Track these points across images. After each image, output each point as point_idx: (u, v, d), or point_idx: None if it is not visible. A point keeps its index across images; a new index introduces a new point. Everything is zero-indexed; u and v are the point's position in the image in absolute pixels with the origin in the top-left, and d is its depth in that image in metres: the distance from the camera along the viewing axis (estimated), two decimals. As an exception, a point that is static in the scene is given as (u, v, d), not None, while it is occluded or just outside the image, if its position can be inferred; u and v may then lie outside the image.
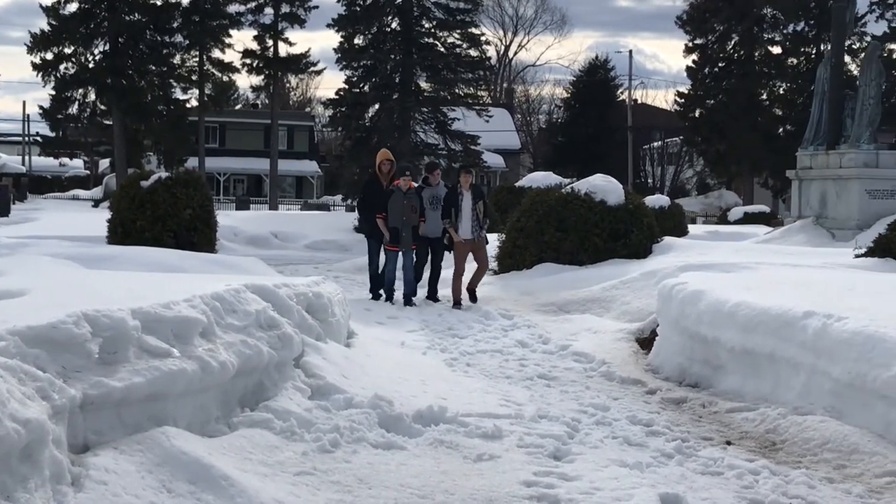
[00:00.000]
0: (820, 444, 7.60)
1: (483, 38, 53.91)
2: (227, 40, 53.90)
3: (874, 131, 27.64)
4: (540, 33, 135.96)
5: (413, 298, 16.39)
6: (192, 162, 51.21)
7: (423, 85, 52.30)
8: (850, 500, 6.48)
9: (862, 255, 17.02)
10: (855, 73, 42.12)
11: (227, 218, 30.47)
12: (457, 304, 16.09)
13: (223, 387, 7.21)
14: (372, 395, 8.18)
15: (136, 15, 50.78)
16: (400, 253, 16.46)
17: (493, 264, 19.09)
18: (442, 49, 52.00)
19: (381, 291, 16.90)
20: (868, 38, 53.22)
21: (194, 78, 53.73)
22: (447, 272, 17.01)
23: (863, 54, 35.70)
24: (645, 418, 8.62)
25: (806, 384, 8.67)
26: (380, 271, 17.03)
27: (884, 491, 6.64)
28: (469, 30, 52.46)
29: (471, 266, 16.82)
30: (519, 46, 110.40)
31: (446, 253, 17.12)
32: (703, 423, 8.70)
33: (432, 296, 16.83)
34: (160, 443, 5.88)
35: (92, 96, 52.03)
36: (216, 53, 54.28)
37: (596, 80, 76.13)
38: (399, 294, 16.62)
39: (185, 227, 19.53)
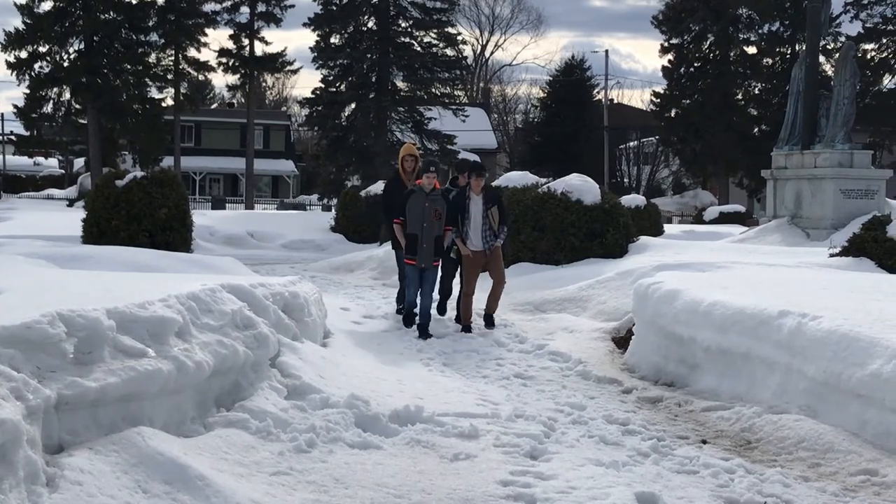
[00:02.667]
0: (795, 443, 7.63)
1: (459, 38, 53.99)
2: (203, 39, 53.78)
3: (849, 131, 27.77)
4: (516, 33, 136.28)
5: (429, 328, 13.15)
6: (167, 161, 50.95)
7: (400, 84, 52.32)
8: (824, 498, 6.51)
9: (836, 255, 17.11)
10: (830, 73, 42.41)
11: (202, 217, 30.38)
12: (466, 329, 13.37)
13: (199, 387, 7.19)
14: (348, 394, 8.17)
15: (112, 13, 50.51)
16: (418, 270, 13.27)
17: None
18: (418, 48, 52.03)
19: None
20: (843, 39, 53.49)
21: (170, 77, 53.50)
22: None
23: (837, 54, 35.83)
24: (621, 417, 8.64)
25: (781, 383, 8.72)
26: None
27: (858, 489, 6.68)
28: (445, 29, 52.52)
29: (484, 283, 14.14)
30: (495, 46, 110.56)
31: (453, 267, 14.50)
32: (678, 421, 8.73)
33: (441, 309, 14.42)
34: (135, 443, 5.85)
35: (67, 95, 51.73)
36: (192, 52, 54.16)
37: (572, 79, 76.26)
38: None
39: (160, 227, 19.45)
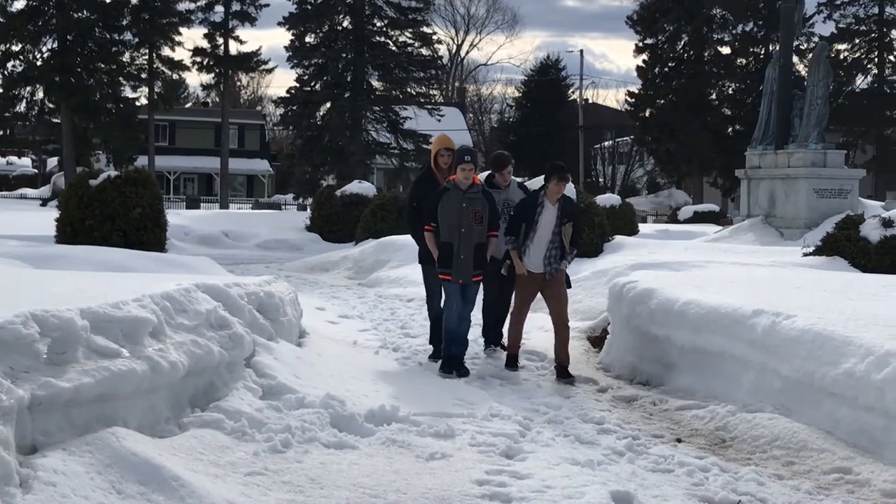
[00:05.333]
0: (769, 441, 7.67)
1: (435, 37, 54.12)
2: (177, 38, 53.51)
3: (822, 131, 27.96)
4: (491, 32, 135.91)
5: (465, 362, 10.66)
6: (141, 160, 50.68)
7: (375, 84, 52.34)
8: (798, 496, 6.54)
9: (810, 254, 17.20)
10: (803, 73, 42.65)
11: (177, 217, 30.30)
12: (511, 361, 10.96)
13: (173, 387, 7.16)
14: (324, 394, 8.16)
15: (85, 12, 50.22)
16: (456, 286, 10.62)
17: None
18: (394, 48, 52.05)
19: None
20: (816, 39, 53.92)
21: (144, 76, 53.26)
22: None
23: (811, 55, 36.03)
24: (596, 416, 8.66)
25: (755, 382, 8.76)
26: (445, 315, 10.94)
27: (832, 487, 6.72)
28: (421, 28, 52.59)
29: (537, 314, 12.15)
30: (471, 45, 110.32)
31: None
32: (653, 420, 8.76)
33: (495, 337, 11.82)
34: (110, 444, 5.83)
35: (40, 94, 51.47)
36: (166, 51, 53.90)
37: (547, 79, 76.35)
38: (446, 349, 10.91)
39: (134, 227, 19.36)
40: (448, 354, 10.56)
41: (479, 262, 10.60)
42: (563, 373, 10.54)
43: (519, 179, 12.53)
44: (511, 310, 11.17)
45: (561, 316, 10.77)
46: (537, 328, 13.56)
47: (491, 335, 11.83)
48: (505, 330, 11.42)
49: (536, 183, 19.44)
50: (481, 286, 11.10)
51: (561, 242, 10.73)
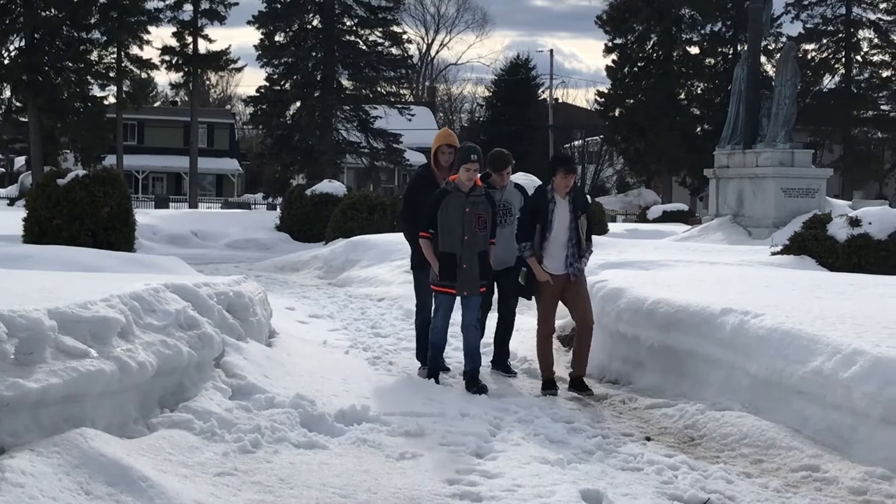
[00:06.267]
0: (738, 440, 7.71)
1: (405, 37, 54.15)
2: (146, 37, 53.20)
3: (790, 130, 28.15)
4: (461, 32, 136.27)
5: (481, 380, 9.72)
6: (110, 159, 50.36)
7: (345, 83, 52.30)
8: (767, 493, 6.57)
9: (778, 253, 17.31)
10: (771, 73, 42.89)
11: (145, 216, 30.17)
12: (548, 387, 9.78)
13: (142, 387, 7.13)
14: (294, 394, 8.14)
15: (53, 10, 49.87)
16: (458, 299, 9.77)
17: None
18: (364, 47, 52.03)
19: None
20: (784, 39, 54.24)
21: (112, 75, 52.92)
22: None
23: (778, 55, 36.30)
24: (566, 415, 8.68)
25: (724, 380, 8.81)
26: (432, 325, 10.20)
27: (800, 485, 6.76)
28: (391, 28, 52.60)
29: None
30: (441, 45, 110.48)
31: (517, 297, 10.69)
32: (623, 419, 8.78)
33: (501, 362, 10.74)
34: (78, 444, 5.79)
35: (7, 93, 51.12)
36: (134, 50, 53.58)
37: (517, 79, 76.51)
38: (451, 367, 10.61)
39: (102, 226, 19.24)
40: (467, 372, 9.72)
41: (485, 272, 9.74)
42: (578, 386, 9.75)
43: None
44: (539, 330, 10.03)
45: (586, 318, 9.93)
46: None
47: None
48: (515, 347, 10.88)
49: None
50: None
51: (578, 238, 9.80)
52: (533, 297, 10.19)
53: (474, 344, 9.71)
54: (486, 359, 10.52)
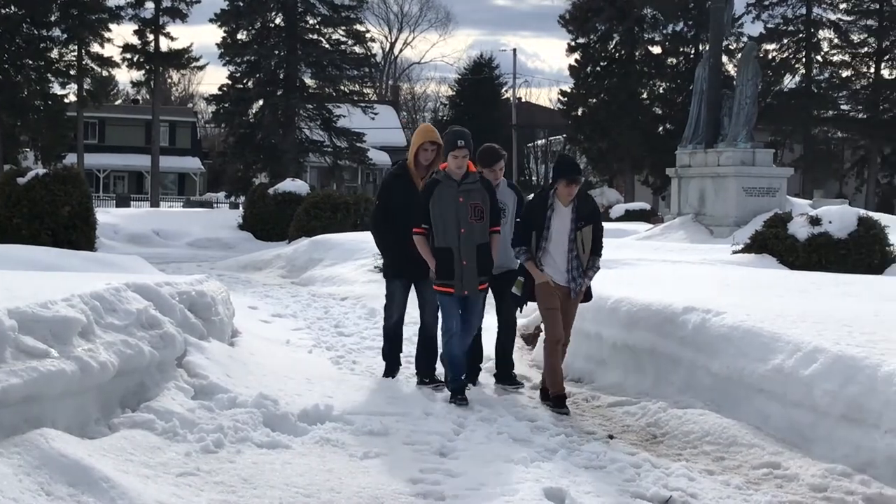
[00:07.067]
0: (700, 437, 7.75)
1: (368, 35, 54.05)
2: (107, 34, 52.73)
3: (751, 130, 28.35)
4: (425, 31, 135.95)
5: (466, 390, 9.14)
6: (70, 158, 50.00)
7: (308, 81, 52.18)
8: (728, 491, 6.61)
9: (739, 251, 17.44)
10: (732, 73, 43.19)
11: (107, 215, 30.00)
12: (559, 401, 8.96)
13: (103, 387, 7.08)
14: (257, 394, 8.11)
15: (12, 8, 49.41)
16: (456, 300, 9.04)
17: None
18: (327, 45, 51.92)
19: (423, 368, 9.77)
20: (745, 39, 54.58)
21: (73, 73, 52.46)
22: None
23: (740, 54, 36.48)
24: (529, 414, 8.69)
25: (686, 378, 8.86)
26: (395, 326, 9.93)
27: (761, 482, 6.80)
28: (354, 26, 52.51)
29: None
30: (404, 44, 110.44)
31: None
32: (586, 417, 8.80)
33: (507, 376, 9.98)
34: (38, 445, 5.75)
35: (-34, 91, 50.60)
36: (95, 48, 53.10)
37: (480, 78, 76.60)
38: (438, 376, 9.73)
39: (63, 225, 19.16)
40: (451, 381, 9.10)
41: (484, 267, 9.00)
42: (556, 400, 8.98)
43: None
44: (546, 338, 9.33)
45: (566, 332, 9.24)
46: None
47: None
48: (517, 359, 10.41)
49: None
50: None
51: (579, 252, 8.98)
52: (525, 306, 9.79)
53: (459, 350, 9.09)
54: (487, 374, 10.21)
